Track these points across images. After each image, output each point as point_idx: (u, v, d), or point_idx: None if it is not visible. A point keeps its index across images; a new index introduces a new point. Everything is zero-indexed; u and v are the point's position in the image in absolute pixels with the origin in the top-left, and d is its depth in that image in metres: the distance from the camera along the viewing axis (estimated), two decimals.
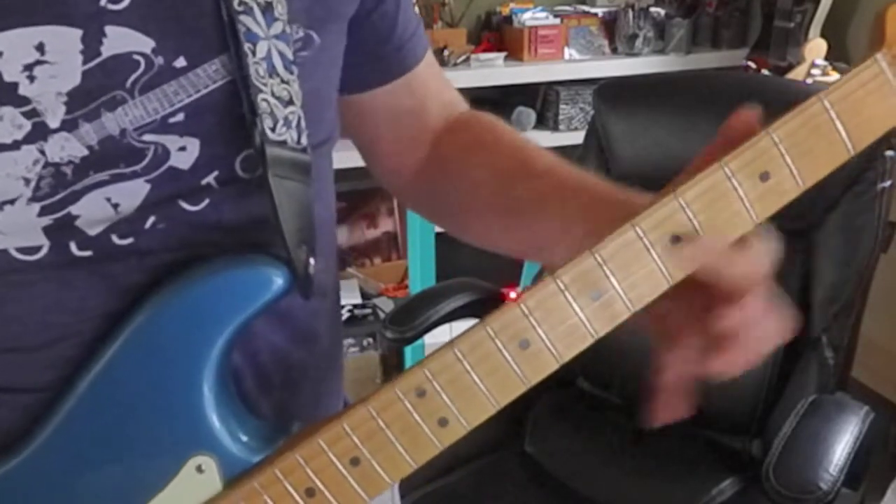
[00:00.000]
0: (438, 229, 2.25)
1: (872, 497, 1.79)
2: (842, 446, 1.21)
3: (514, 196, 0.67)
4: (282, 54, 0.56)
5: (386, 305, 2.62)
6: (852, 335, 1.50)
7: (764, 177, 0.49)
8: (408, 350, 2.20)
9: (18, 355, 0.54)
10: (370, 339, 2.50)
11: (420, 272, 2.26)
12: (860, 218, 1.41)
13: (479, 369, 0.51)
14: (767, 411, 1.47)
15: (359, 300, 2.67)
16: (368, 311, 2.61)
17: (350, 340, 2.47)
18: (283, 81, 0.55)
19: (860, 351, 2.11)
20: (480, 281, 1.69)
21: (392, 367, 2.41)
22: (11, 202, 0.51)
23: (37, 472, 0.54)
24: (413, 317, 1.57)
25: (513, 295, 2.28)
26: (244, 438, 0.55)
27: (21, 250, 0.52)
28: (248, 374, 0.61)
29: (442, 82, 0.78)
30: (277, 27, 0.55)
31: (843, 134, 0.49)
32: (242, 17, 0.53)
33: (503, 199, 0.68)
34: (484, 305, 1.64)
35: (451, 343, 0.51)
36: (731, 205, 0.49)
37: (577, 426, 1.62)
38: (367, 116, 0.71)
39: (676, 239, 0.50)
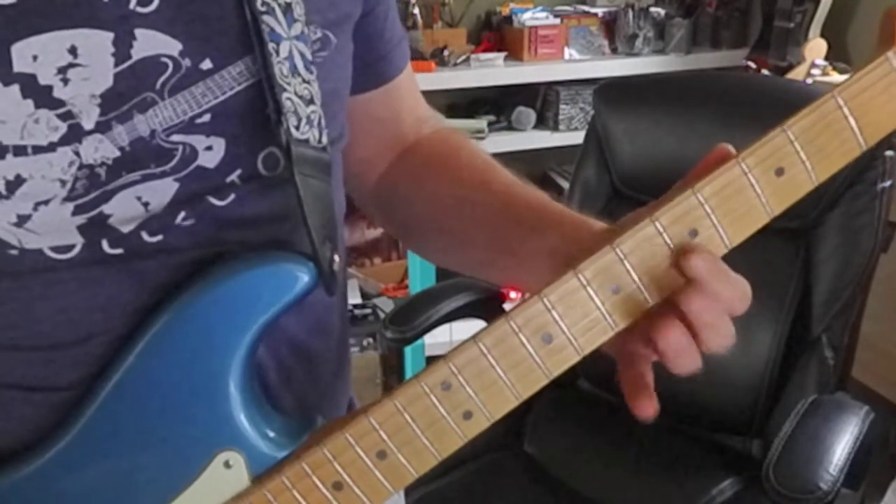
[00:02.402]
0: None
1: (872, 497, 1.79)
2: (842, 446, 1.21)
3: (468, 212, 0.69)
4: (302, 54, 0.57)
5: (386, 305, 2.62)
6: (852, 335, 1.50)
7: (779, 172, 0.50)
8: (408, 350, 2.20)
9: (47, 353, 0.55)
10: (370, 339, 2.50)
11: (420, 272, 2.26)
12: (860, 218, 1.41)
13: (503, 363, 0.52)
14: (767, 411, 1.47)
15: (359, 300, 2.67)
16: (368, 311, 2.61)
17: (350, 340, 2.47)
18: (304, 81, 0.57)
19: (860, 351, 2.11)
20: (480, 281, 1.68)
21: (392, 367, 2.41)
22: (46, 203, 0.52)
23: (66, 469, 0.55)
24: (413, 317, 1.57)
25: (513, 295, 2.28)
26: (270, 434, 0.56)
27: (55, 249, 0.53)
28: (271, 367, 0.62)
29: (417, 97, 0.80)
30: (297, 28, 0.56)
31: (856, 130, 0.50)
32: (266, 18, 0.54)
33: (458, 213, 0.70)
34: (484, 305, 1.64)
35: (475, 338, 0.52)
36: (747, 200, 0.51)
37: (577, 426, 1.62)
38: None
39: (695, 233, 0.51)
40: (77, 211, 0.52)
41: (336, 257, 0.57)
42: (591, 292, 0.52)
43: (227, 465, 0.55)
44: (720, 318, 0.51)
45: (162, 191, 0.54)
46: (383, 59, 0.73)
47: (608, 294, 0.52)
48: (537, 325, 0.52)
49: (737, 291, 0.51)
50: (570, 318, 0.52)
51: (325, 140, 0.58)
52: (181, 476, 0.55)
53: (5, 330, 0.54)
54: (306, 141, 0.56)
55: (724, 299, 0.51)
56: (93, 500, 0.56)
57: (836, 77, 2.51)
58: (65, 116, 0.50)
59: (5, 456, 0.56)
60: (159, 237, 0.55)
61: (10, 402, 0.56)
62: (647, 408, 0.55)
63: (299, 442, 0.56)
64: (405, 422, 0.53)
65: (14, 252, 0.52)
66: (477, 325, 1.67)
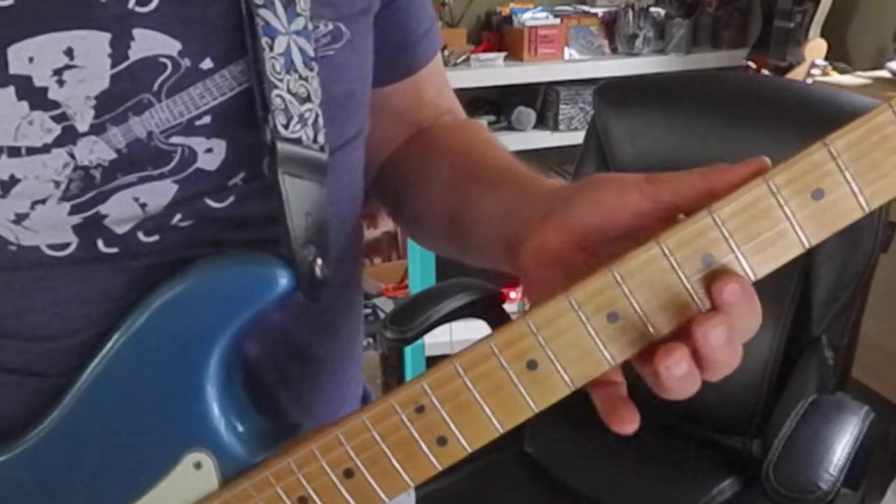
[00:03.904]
0: None
1: (872, 497, 1.79)
2: (842, 446, 1.21)
3: (438, 179, 0.66)
4: (302, 50, 0.55)
5: (386, 305, 2.62)
6: (852, 335, 1.50)
7: (817, 194, 0.43)
8: (408, 350, 2.20)
9: (41, 343, 0.55)
10: (370, 339, 2.49)
11: (420, 272, 2.26)
12: (860, 218, 1.41)
13: (480, 386, 0.48)
14: (767, 411, 1.47)
15: None
16: (368, 311, 2.61)
17: None
18: (301, 78, 0.55)
19: (860, 351, 2.11)
20: (480, 281, 1.68)
21: (392, 367, 2.41)
22: (43, 202, 0.52)
23: (45, 456, 0.55)
24: (413, 317, 1.57)
25: (513, 295, 2.28)
26: (245, 438, 0.55)
27: (51, 247, 0.53)
28: (267, 365, 0.61)
29: (441, 89, 0.76)
30: (299, 23, 0.55)
31: None
32: (262, 11, 0.53)
33: (430, 183, 0.67)
34: (484, 305, 1.64)
35: (453, 356, 0.48)
36: (774, 224, 0.44)
37: (577, 426, 1.62)
38: None
39: (709, 259, 0.44)
40: (73, 210, 0.52)
41: (319, 261, 0.55)
42: (583, 317, 0.46)
43: (197, 465, 0.54)
44: (736, 352, 0.46)
45: (161, 192, 0.54)
46: (404, 51, 0.70)
47: (603, 321, 0.46)
48: (520, 349, 0.47)
49: (756, 319, 0.46)
50: (556, 345, 0.46)
51: (321, 139, 0.57)
52: (151, 473, 0.55)
53: (0, 319, 0.55)
54: (297, 140, 0.55)
55: (744, 329, 0.46)
56: (67, 489, 0.56)
57: (836, 77, 2.51)
58: (59, 118, 0.50)
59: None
60: (155, 237, 0.54)
61: (8, 386, 0.56)
62: (629, 419, 0.49)
63: (275, 448, 0.55)
64: (372, 440, 0.50)
65: (12, 248, 0.52)
66: (477, 325, 1.68)
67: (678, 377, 0.45)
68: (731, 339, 0.45)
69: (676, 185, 0.47)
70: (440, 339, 1.73)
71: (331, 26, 0.58)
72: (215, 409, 0.54)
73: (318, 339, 0.65)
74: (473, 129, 0.73)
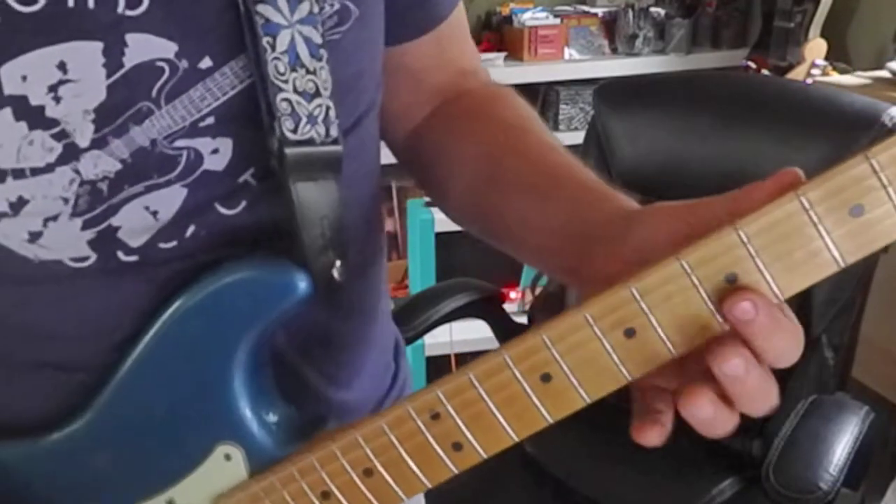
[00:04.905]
0: (438, 229, 2.25)
1: (872, 497, 1.79)
2: (842, 446, 1.21)
3: (492, 178, 0.62)
4: (308, 40, 0.52)
5: None
6: (852, 335, 1.50)
7: (856, 211, 0.40)
8: (408, 350, 2.19)
9: (71, 343, 0.55)
10: None
11: (420, 272, 2.26)
12: None
13: (494, 397, 0.48)
14: None
15: None
16: None
17: None
18: (308, 72, 0.52)
19: (860, 351, 2.11)
20: (480, 281, 1.69)
21: None
22: (54, 219, 0.51)
23: (79, 449, 0.56)
24: (413, 317, 1.57)
25: (513, 295, 2.28)
26: (274, 430, 0.56)
27: (73, 259, 0.53)
28: (290, 350, 0.60)
29: (463, 48, 0.71)
30: (304, 9, 0.52)
31: None
32: (260, 7, 0.50)
33: (481, 179, 0.63)
34: (484, 305, 1.64)
35: (468, 366, 0.48)
36: (807, 243, 0.41)
37: (577, 426, 1.61)
38: None
39: (733, 277, 0.42)
40: (85, 225, 0.52)
41: (338, 263, 0.54)
42: (598, 332, 0.44)
43: (227, 457, 0.55)
44: (763, 381, 0.43)
45: (170, 198, 0.52)
46: (419, 6, 0.65)
47: (620, 337, 0.44)
48: (534, 362, 0.46)
49: (790, 341, 0.42)
50: (571, 360, 0.45)
51: (334, 132, 0.54)
52: (182, 464, 0.56)
53: (28, 325, 0.55)
54: (308, 141, 0.53)
55: (771, 355, 0.42)
56: (100, 479, 0.57)
57: (836, 77, 2.51)
58: (59, 136, 0.49)
59: (30, 429, 0.57)
60: (174, 243, 0.54)
61: (39, 379, 0.57)
62: (650, 436, 0.47)
63: (301, 440, 0.56)
64: (390, 443, 0.51)
65: (33, 263, 0.52)
66: (477, 325, 1.68)
67: (704, 420, 0.45)
68: (753, 366, 0.42)
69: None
70: (440, 339, 1.73)
71: (337, 5, 0.55)
72: (244, 405, 0.55)
73: (341, 316, 0.64)
74: (503, 103, 0.67)
